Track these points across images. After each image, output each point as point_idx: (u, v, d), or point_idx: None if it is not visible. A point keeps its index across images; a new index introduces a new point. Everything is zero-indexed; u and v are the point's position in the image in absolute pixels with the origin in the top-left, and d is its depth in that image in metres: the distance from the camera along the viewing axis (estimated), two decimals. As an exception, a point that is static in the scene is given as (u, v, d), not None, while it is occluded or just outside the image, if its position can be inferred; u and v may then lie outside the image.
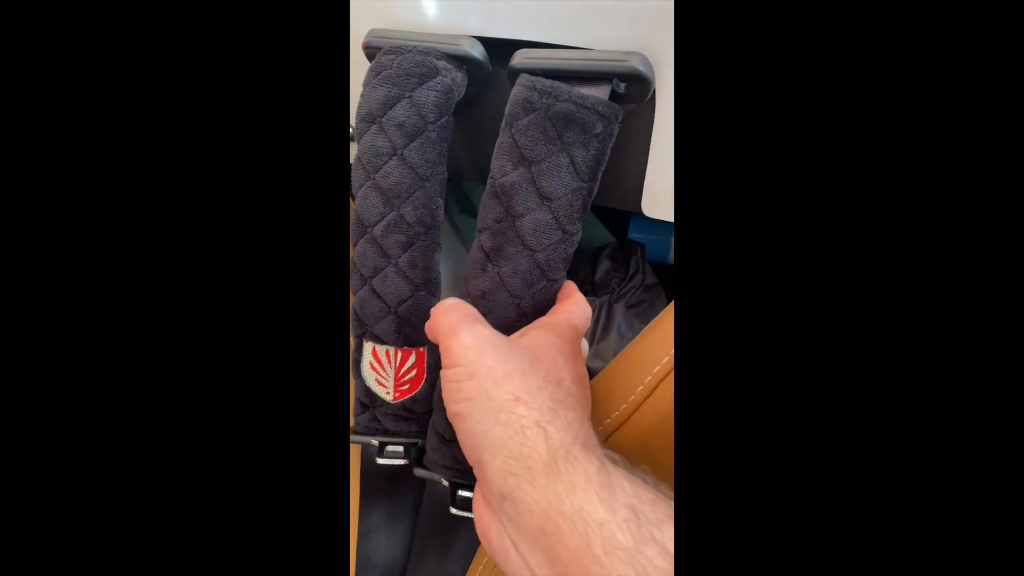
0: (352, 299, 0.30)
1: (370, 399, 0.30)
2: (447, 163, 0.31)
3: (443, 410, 0.24)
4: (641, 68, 0.28)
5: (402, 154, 0.29)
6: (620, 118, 0.28)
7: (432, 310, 0.24)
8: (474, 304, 0.27)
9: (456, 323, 0.23)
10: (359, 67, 0.31)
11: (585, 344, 0.28)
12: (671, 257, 0.58)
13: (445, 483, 0.28)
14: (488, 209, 0.28)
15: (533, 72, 0.28)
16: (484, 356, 0.21)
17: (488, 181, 0.28)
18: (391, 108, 0.29)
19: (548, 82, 0.27)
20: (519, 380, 0.20)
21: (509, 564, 0.19)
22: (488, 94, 0.33)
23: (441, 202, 0.30)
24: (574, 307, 0.27)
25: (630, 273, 0.51)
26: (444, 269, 0.53)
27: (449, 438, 0.27)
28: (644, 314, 0.51)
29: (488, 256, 0.28)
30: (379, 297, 0.29)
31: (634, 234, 0.57)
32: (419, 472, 0.29)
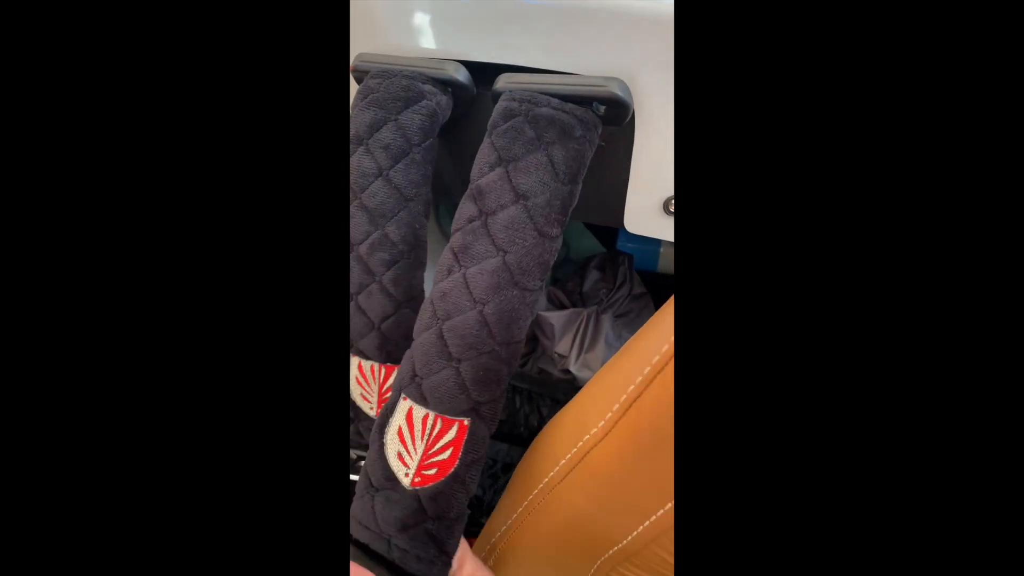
0: None
1: (354, 412, 0.31)
2: (434, 183, 0.31)
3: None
4: (619, 92, 0.28)
5: (388, 175, 0.29)
6: (600, 129, 0.28)
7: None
8: (433, 308, 0.26)
9: None
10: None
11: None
12: (659, 266, 0.59)
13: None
14: (463, 210, 0.28)
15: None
16: None
17: (468, 188, 0.28)
18: (378, 130, 0.29)
19: (528, 92, 0.28)
20: None
21: None
22: (473, 116, 0.34)
23: (425, 222, 0.31)
24: None
25: (618, 283, 0.52)
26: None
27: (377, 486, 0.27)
28: (632, 324, 0.52)
29: (456, 255, 0.27)
30: (364, 313, 0.30)
31: (623, 244, 0.58)
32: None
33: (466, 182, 0.31)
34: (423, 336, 0.27)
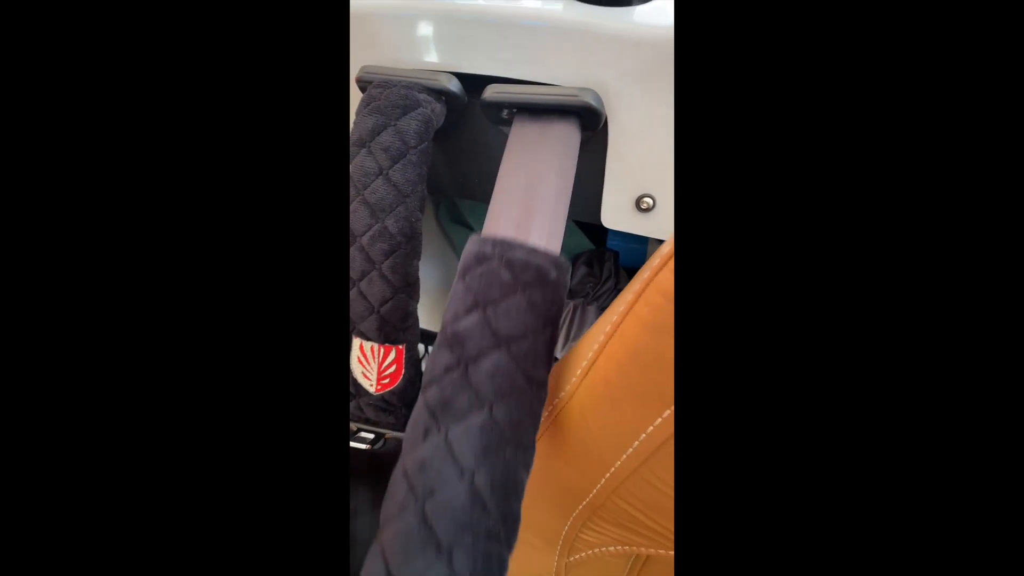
0: None
1: (356, 389, 0.35)
2: (429, 180, 0.35)
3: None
4: (592, 102, 0.32)
5: (387, 174, 0.33)
6: (571, 270, 0.29)
7: None
8: (410, 482, 0.21)
9: None
10: (353, 97, 0.36)
11: None
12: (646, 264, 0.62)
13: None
14: (436, 359, 0.24)
15: (502, 105, 0.33)
16: None
17: (439, 333, 0.25)
18: (378, 134, 0.33)
19: (499, 238, 0.26)
20: None
21: None
22: (465, 121, 0.37)
23: (420, 215, 0.34)
24: None
25: (604, 277, 0.55)
26: (434, 275, 0.58)
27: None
28: (617, 317, 0.56)
29: (433, 414, 0.23)
30: (365, 298, 0.33)
31: (612, 243, 0.61)
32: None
33: (459, 183, 0.34)
34: (399, 521, 0.21)
